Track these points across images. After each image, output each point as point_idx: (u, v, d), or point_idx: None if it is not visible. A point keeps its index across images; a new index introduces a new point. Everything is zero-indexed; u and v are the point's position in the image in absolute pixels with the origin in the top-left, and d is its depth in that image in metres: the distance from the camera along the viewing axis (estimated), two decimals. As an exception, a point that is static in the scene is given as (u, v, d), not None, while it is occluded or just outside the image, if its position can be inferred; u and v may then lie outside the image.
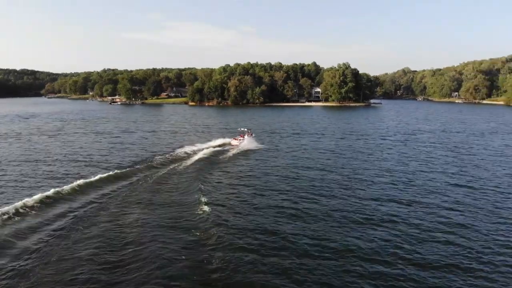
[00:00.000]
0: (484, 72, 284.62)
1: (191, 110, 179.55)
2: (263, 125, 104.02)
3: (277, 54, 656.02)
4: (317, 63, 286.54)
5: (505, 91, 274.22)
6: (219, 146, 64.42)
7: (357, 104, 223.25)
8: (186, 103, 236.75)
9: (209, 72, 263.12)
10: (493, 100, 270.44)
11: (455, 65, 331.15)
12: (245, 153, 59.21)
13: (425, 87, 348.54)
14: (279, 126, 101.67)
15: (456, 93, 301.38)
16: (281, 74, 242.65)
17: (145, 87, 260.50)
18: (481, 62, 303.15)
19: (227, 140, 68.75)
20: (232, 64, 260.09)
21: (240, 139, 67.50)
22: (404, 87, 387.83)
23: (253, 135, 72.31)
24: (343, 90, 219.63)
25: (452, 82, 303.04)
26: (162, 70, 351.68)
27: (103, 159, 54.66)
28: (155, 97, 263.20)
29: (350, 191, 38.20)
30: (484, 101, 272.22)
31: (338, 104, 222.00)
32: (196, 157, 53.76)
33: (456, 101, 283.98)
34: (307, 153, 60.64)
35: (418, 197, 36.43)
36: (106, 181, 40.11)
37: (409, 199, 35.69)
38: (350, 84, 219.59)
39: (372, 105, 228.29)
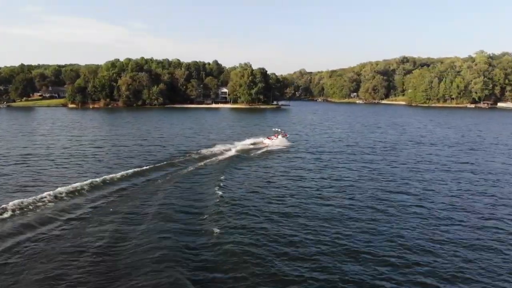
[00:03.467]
0: (380, 72, 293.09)
1: (68, 115, 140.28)
2: (173, 135, 77.35)
3: (173, 53, 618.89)
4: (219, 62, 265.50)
5: (402, 91, 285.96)
6: (252, 144, 67.94)
7: (267, 106, 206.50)
8: (64, 105, 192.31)
9: (95, 69, 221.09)
10: (392, 100, 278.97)
11: (352, 66, 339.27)
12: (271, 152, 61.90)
13: (323, 88, 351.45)
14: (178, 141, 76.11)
15: (355, 93, 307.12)
16: (183, 71, 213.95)
17: (11, 86, 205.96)
18: (377, 63, 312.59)
19: (260, 139, 71.34)
20: (122, 59, 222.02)
21: (273, 139, 69.69)
22: (303, 88, 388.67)
23: (288, 135, 74.36)
24: (253, 91, 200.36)
25: (351, 83, 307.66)
26: (38, 66, 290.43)
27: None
28: (24, 98, 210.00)
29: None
30: (383, 101, 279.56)
31: (248, 106, 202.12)
32: (228, 154, 58.57)
33: (357, 101, 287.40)
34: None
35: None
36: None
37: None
38: (260, 85, 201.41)
39: (282, 107, 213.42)
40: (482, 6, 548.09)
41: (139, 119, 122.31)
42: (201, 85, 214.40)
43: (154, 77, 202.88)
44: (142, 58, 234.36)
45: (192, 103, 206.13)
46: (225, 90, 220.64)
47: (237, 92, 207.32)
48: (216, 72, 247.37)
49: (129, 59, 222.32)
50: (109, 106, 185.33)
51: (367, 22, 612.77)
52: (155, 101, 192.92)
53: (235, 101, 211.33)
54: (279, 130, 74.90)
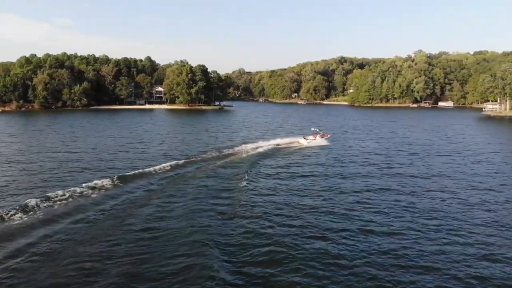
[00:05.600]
0: (320, 72, 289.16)
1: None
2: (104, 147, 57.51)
3: (103, 50, 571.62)
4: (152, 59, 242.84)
5: (342, 91, 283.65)
6: (289, 143, 65.41)
7: (209, 107, 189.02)
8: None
9: (7, 66, 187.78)
10: (333, 100, 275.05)
11: (292, 66, 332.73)
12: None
13: (263, 88, 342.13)
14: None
15: (296, 94, 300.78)
16: (111, 68, 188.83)
17: None
18: (317, 63, 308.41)
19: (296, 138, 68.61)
20: (41, 55, 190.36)
21: (311, 139, 66.63)
22: (243, 88, 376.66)
23: (329, 135, 71.62)
24: (193, 91, 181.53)
25: (292, 83, 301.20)
26: None
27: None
28: None
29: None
30: (325, 102, 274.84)
31: (187, 107, 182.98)
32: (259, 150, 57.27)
33: (299, 102, 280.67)
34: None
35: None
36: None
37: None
38: (200, 83, 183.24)
39: (225, 107, 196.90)
40: (413, 6, 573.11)
41: (53, 125, 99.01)
42: (133, 84, 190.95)
43: (77, 75, 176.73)
44: (64, 53, 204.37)
45: (122, 103, 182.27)
46: (160, 89, 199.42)
47: (174, 92, 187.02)
48: (150, 69, 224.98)
49: (49, 55, 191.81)
50: (23, 109, 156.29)
51: (305, 22, 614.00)
52: (78, 102, 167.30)
53: (172, 102, 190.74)
54: (318, 130, 71.50)
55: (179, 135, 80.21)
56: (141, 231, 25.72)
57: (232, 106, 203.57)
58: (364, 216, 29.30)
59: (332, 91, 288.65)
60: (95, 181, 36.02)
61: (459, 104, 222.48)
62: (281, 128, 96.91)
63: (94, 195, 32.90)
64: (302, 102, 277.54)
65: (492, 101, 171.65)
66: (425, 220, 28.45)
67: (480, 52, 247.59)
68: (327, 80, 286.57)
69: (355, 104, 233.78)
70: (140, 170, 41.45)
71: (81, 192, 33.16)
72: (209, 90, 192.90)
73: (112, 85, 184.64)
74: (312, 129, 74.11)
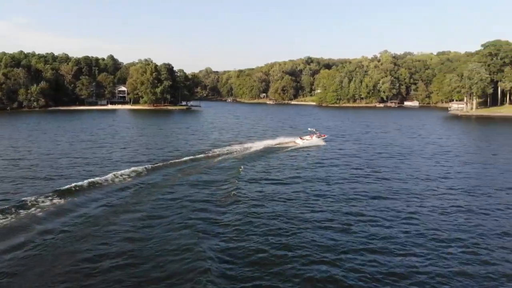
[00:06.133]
0: (288, 72, 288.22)
1: None
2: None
3: (63, 50, 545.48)
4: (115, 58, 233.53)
5: (310, 91, 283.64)
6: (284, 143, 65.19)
7: (176, 107, 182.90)
8: None
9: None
10: (301, 101, 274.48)
11: (260, 66, 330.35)
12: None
13: (231, 88, 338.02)
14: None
15: (264, 94, 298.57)
16: (70, 67, 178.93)
17: None
18: (285, 63, 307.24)
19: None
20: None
21: (307, 139, 66.40)
22: (210, 88, 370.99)
23: (326, 135, 71.48)
24: (158, 90, 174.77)
25: (260, 83, 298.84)
26: None
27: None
28: None
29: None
30: (293, 102, 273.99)
31: (152, 107, 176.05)
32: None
33: (268, 102, 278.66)
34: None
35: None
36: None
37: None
38: (166, 83, 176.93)
39: (192, 108, 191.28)
40: (377, 7, 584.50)
41: (2, 128, 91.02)
42: (94, 83, 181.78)
43: (35, 74, 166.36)
44: (21, 52, 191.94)
45: (82, 104, 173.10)
46: (123, 88, 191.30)
47: (138, 91, 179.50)
48: (112, 68, 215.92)
49: (4, 53, 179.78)
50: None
51: (272, 22, 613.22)
52: (35, 102, 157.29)
53: (136, 102, 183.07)
54: (314, 130, 71.17)
55: (144, 138, 74.90)
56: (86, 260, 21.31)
57: (200, 106, 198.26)
58: (350, 210, 29.62)
59: (300, 91, 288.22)
60: (41, 195, 31.06)
61: (423, 103, 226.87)
62: (253, 130, 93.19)
63: (39, 210, 27.99)
64: (271, 102, 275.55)
65: (456, 100, 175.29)
66: (408, 225, 27.19)
67: (443, 53, 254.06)
68: (295, 80, 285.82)
69: (323, 104, 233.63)
70: (97, 179, 36.60)
71: (25, 206, 28.23)
72: (175, 90, 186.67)
73: (72, 85, 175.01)
74: (309, 129, 73.38)
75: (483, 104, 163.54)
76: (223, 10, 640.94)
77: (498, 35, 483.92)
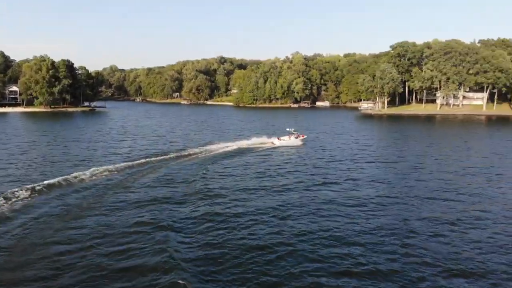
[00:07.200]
0: (202, 71, 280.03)
1: None
2: None
3: None
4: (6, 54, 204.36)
5: (226, 92, 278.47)
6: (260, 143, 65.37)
7: (77, 109, 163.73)
8: None
9: None
10: (217, 101, 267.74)
11: (172, 64, 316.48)
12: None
13: (140, 87, 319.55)
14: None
15: (177, 93, 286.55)
16: None
17: None
18: (198, 61, 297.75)
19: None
20: None
21: (285, 139, 66.93)
22: (116, 87, 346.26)
23: (304, 136, 70.81)
24: (55, 90, 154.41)
25: (173, 82, 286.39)
26: None
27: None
28: None
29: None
30: (209, 102, 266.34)
31: (49, 109, 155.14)
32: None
33: (182, 102, 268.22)
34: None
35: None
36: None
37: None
38: (65, 81, 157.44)
39: (96, 109, 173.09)
40: (286, 6, 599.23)
41: None
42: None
43: None
44: None
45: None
46: (15, 88, 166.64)
47: (32, 91, 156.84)
48: (3, 66, 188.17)
49: None
50: None
51: (183, 20, 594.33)
52: None
53: (30, 103, 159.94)
54: (292, 130, 70.26)
55: (38, 149, 61.33)
56: None
57: (105, 107, 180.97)
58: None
59: (215, 91, 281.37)
60: None
61: (334, 103, 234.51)
62: (174, 134, 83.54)
63: None
64: (186, 102, 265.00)
65: (364, 100, 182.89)
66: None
67: (349, 54, 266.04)
68: (210, 80, 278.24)
69: (240, 105, 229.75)
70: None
71: None
72: (76, 89, 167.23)
73: None
74: (287, 129, 72.24)
75: (391, 103, 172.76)
76: (125, 3, 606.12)
77: (403, 36, 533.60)
